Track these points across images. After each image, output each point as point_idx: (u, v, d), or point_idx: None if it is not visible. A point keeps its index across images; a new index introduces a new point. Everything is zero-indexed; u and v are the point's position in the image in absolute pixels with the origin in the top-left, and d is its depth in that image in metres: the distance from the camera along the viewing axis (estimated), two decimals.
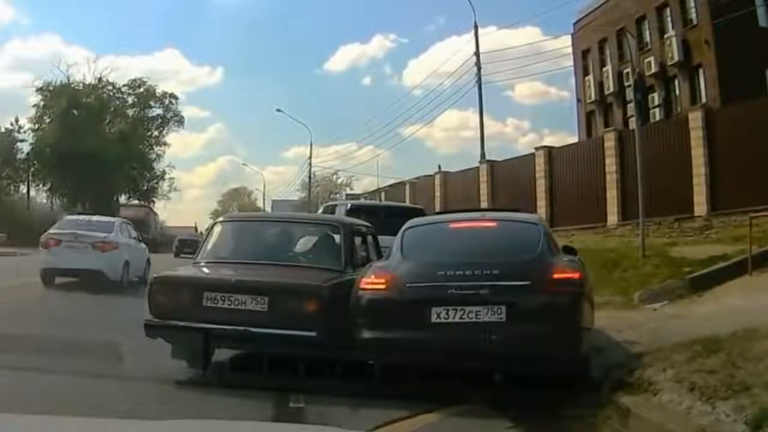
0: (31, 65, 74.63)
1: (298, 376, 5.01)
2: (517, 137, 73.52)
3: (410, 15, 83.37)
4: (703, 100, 20.24)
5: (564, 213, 18.67)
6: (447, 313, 5.07)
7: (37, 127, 44.08)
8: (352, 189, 49.99)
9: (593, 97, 26.96)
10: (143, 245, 15.45)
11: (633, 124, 16.83)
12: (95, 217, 15.08)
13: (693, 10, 22.28)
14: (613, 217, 17.14)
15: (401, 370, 5.02)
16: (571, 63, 28.93)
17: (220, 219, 7.97)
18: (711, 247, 11.58)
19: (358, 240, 6.92)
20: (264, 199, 61.57)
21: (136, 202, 44.84)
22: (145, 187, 48.55)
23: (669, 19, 23.30)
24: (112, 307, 10.46)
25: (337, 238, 6.45)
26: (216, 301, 5.50)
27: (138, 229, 25.55)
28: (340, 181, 54.67)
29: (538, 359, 5.02)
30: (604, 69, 26.20)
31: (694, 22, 22.14)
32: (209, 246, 6.56)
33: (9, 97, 65.97)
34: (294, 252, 6.63)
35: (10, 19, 66.67)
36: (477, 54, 25.58)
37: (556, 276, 5.23)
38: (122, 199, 46.89)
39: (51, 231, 13.27)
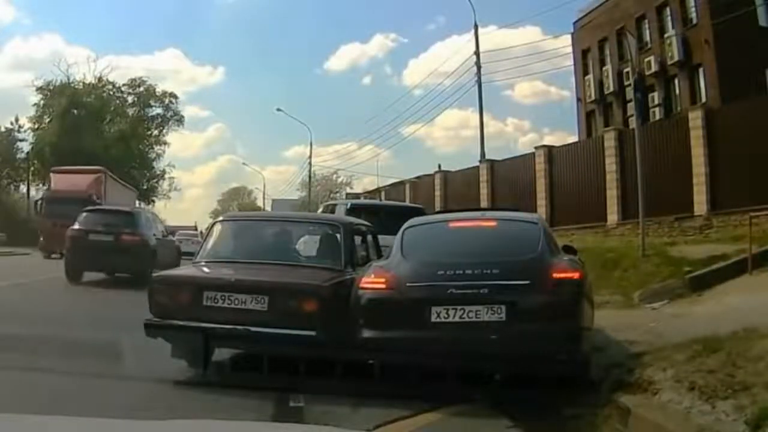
0: (31, 65, 74.69)
1: (298, 376, 5.00)
2: (518, 137, 73.67)
3: (410, 15, 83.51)
4: (703, 99, 20.26)
5: (564, 212, 18.65)
6: (447, 313, 5.06)
7: (37, 126, 44.12)
8: (352, 188, 50.07)
9: (593, 97, 26.98)
10: None
11: (633, 123, 16.83)
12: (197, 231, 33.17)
13: (693, 9, 22.30)
14: (613, 217, 17.13)
15: (401, 370, 5.01)
16: (571, 62, 28.98)
17: (220, 218, 7.95)
18: (711, 247, 11.56)
19: (358, 239, 6.91)
20: (264, 199, 61.65)
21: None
22: (145, 187, 48.55)
23: (669, 18, 23.32)
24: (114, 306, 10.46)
25: (337, 237, 6.44)
26: (216, 301, 5.49)
27: (71, 211, 17.38)
28: (340, 180, 54.73)
29: (538, 359, 5.02)
30: (604, 68, 26.22)
31: (694, 21, 22.16)
32: (209, 245, 6.55)
33: (10, 97, 66.14)
34: (294, 251, 6.62)
35: (11, 19, 66.81)
36: (477, 53, 25.57)
37: (556, 275, 5.22)
38: None
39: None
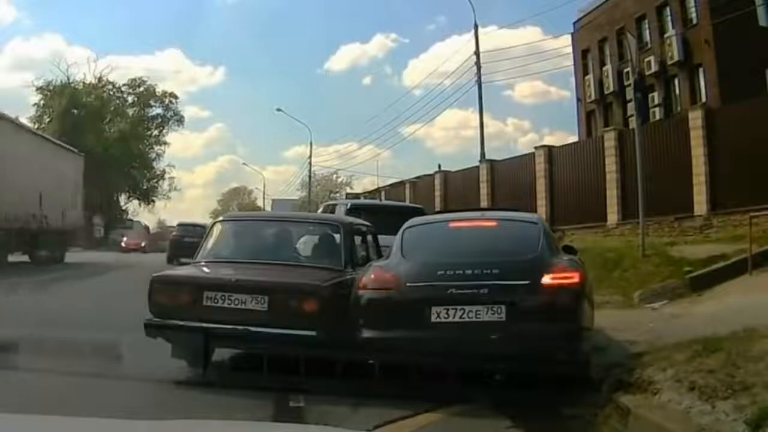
0: (31, 65, 74.76)
1: (298, 376, 5.00)
2: (518, 137, 73.75)
3: (411, 15, 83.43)
4: (703, 99, 20.26)
5: (564, 212, 18.66)
6: (447, 313, 5.06)
7: (37, 126, 44.03)
8: (352, 188, 50.02)
9: (593, 97, 27.00)
10: None
11: (633, 123, 16.84)
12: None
13: (693, 9, 22.32)
14: (613, 217, 17.13)
15: (401, 369, 5.01)
16: (572, 62, 29.00)
17: (220, 218, 7.95)
18: (711, 247, 11.57)
19: (358, 239, 6.91)
20: (264, 199, 61.68)
21: None
22: (145, 187, 48.55)
23: (669, 18, 23.35)
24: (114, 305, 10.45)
25: (337, 237, 6.44)
26: (216, 301, 5.49)
27: None
28: (340, 180, 54.66)
29: (538, 359, 5.01)
30: (604, 68, 26.24)
31: (694, 21, 22.18)
32: (209, 245, 6.55)
33: (10, 97, 65.99)
34: (294, 251, 6.63)
35: (12, 19, 66.86)
36: (477, 53, 25.54)
37: (556, 275, 5.21)
38: (122, 198, 46.75)
39: None
